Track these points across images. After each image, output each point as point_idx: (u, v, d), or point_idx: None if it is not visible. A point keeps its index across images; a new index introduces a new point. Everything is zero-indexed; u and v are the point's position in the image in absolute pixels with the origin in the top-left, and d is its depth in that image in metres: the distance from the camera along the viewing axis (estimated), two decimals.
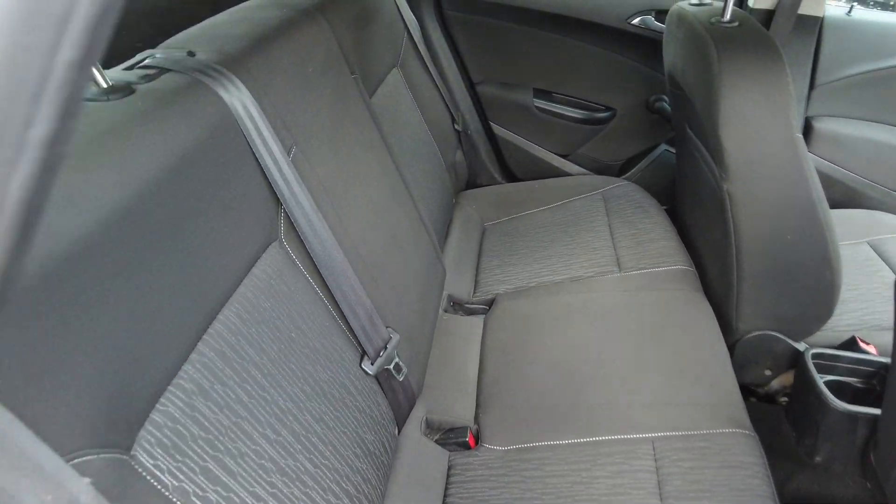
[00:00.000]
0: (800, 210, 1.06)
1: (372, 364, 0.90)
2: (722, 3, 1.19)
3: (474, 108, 1.83)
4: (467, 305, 1.40)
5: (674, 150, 1.78)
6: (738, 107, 1.03)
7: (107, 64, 0.73)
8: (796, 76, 1.68)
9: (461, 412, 1.10)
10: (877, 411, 1.10)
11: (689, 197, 1.50)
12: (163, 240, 0.59)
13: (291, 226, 0.81)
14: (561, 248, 1.46)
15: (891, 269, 1.42)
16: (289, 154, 0.81)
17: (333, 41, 1.04)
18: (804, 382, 1.21)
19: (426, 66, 1.62)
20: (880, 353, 1.23)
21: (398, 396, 0.99)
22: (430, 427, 1.10)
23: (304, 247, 0.82)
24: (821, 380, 1.17)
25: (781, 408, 1.35)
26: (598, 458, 0.95)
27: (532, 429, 1.03)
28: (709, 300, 1.27)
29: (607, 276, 1.34)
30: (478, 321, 1.32)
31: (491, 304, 1.37)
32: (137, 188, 0.56)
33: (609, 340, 1.17)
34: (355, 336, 0.88)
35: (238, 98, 0.71)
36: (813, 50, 1.67)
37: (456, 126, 1.73)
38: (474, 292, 1.42)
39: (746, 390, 1.40)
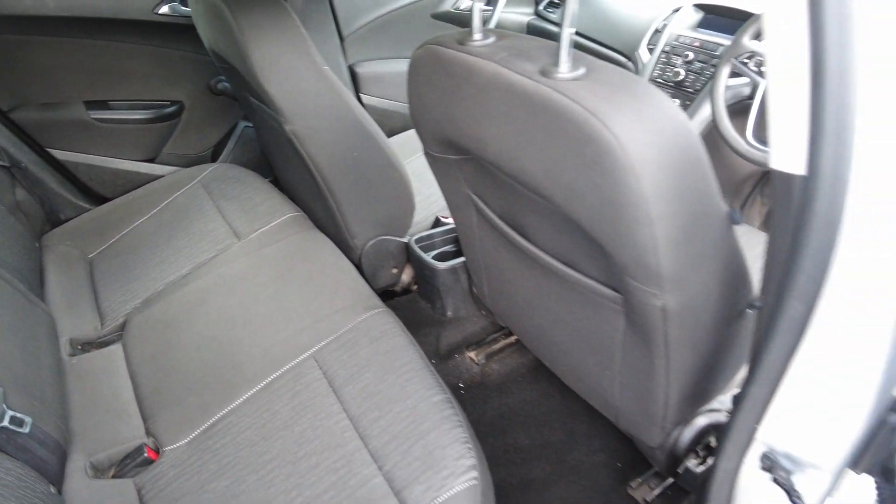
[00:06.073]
0: (353, 128, 1.26)
1: None
2: None
3: (18, 137, 1.59)
4: (99, 340, 1.26)
5: (251, 124, 1.87)
6: (266, 56, 1.15)
7: None
8: (324, 32, 1.93)
9: (130, 435, 1.02)
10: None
11: (276, 156, 1.62)
12: None
13: None
14: (178, 244, 1.43)
15: None
16: None
17: None
18: (418, 264, 1.47)
19: None
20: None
21: (36, 454, 0.86)
22: (100, 469, 0.99)
23: None
24: (428, 256, 1.44)
25: (416, 293, 1.63)
26: (273, 394, 1.00)
27: (205, 407, 1.02)
28: (326, 234, 1.42)
29: (230, 249, 1.37)
30: (115, 348, 1.21)
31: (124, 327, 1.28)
32: None
33: (251, 300, 1.22)
34: None
35: None
36: (329, 8, 1.94)
37: (1, 163, 1.48)
38: (102, 326, 1.29)
39: (389, 294, 1.63)
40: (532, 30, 2.21)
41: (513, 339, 1.55)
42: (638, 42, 1.70)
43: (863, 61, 0.47)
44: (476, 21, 0.78)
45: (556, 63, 0.66)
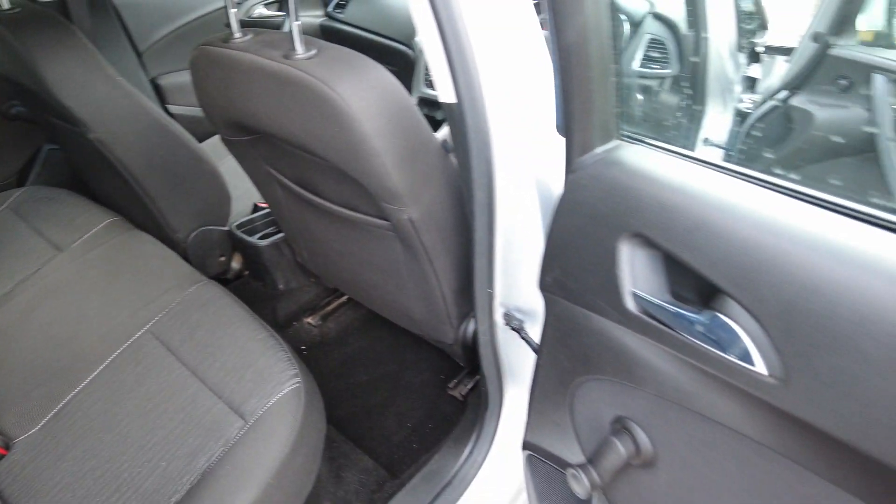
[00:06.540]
0: (154, 129, 1.38)
1: None
2: None
3: None
4: None
5: (56, 146, 1.88)
6: (59, 73, 1.24)
7: None
8: (118, 48, 1.98)
9: None
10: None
11: (88, 170, 1.67)
12: None
13: None
14: None
15: None
16: None
17: None
18: (242, 246, 1.63)
19: None
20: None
21: None
22: None
23: None
24: (248, 237, 1.60)
25: (248, 276, 1.78)
26: (117, 369, 1.12)
27: (52, 395, 1.11)
28: (148, 233, 1.51)
29: (52, 261, 1.42)
30: None
31: None
32: None
33: (81, 300, 1.30)
34: None
35: None
36: (119, 26, 1.99)
37: None
38: None
39: (222, 283, 1.76)
40: (325, 30, 2.41)
41: (344, 298, 1.77)
42: (414, 31, 1.98)
43: (468, 22, 0.74)
44: (234, 23, 0.98)
45: (293, 48, 0.88)
